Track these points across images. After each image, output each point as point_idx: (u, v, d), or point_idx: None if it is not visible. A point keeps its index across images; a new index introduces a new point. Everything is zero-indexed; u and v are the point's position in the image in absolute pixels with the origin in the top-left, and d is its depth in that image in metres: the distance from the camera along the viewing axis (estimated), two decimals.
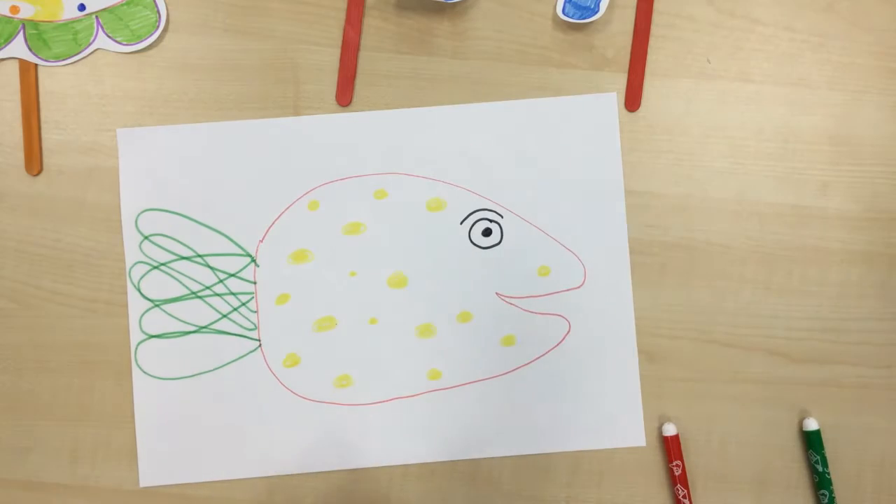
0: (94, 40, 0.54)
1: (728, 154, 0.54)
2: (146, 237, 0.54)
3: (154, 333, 0.53)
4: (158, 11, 0.54)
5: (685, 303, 0.54)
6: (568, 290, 0.54)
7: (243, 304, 0.54)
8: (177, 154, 0.54)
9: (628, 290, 0.54)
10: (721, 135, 0.54)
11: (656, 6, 0.54)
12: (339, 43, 0.54)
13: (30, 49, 0.54)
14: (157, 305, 0.53)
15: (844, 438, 0.54)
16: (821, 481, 0.52)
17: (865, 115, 0.55)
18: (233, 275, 0.54)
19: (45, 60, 0.54)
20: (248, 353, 0.53)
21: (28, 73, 0.54)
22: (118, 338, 0.54)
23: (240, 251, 0.54)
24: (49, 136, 0.54)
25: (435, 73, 0.54)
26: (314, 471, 0.53)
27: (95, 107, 0.54)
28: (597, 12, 0.53)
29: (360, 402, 0.54)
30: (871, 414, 0.54)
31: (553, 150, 0.54)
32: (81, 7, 0.54)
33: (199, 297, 0.53)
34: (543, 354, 0.54)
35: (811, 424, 0.53)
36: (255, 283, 0.54)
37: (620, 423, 0.53)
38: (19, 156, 0.54)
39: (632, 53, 0.54)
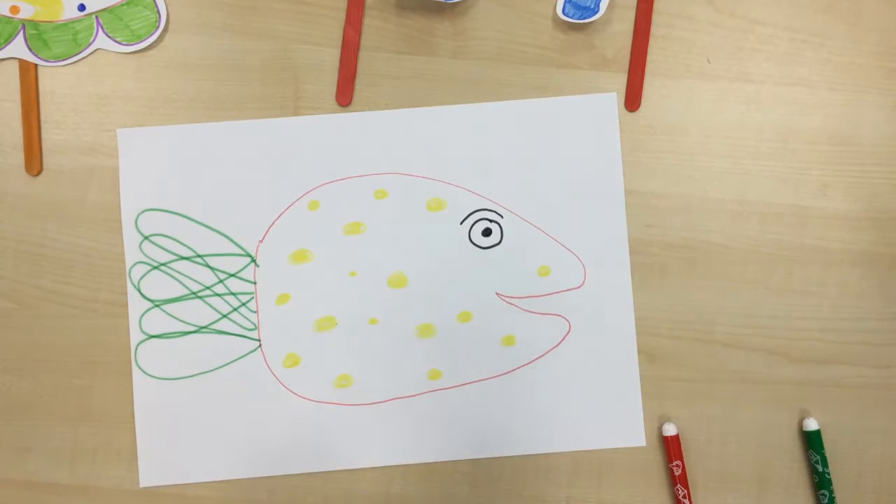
0: (94, 40, 0.54)
1: (728, 154, 0.54)
2: (146, 237, 0.54)
3: (154, 333, 0.53)
4: (158, 11, 0.54)
5: (685, 303, 0.54)
6: (568, 290, 0.54)
7: (243, 304, 0.54)
8: (177, 154, 0.54)
9: (628, 290, 0.54)
10: (721, 135, 0.54)
11: (656, 6, 0.54)
12: (339, 43, 0.54)
13: (30, 49, 0.54)
14: (157, 305, 0.53)
15: (844, 438, 0.54)
16: (821, 481, 0.52)
17: (865, 115, 0.55)
18: (233, 275, 0.54)
19: (45, 60, 0.54)
20: (248, 353, 0.53)
21: (28, 73, 0.54)
22: (118, 338, 0.54)
23: (240, 251, 0.54)
24: (49, 136, 0.54)
25: (435, 73, 0.54)
26: (314, 471, 0.53)
27: (95, 107, 0.54)
28: (597, 12, 0.53)
29: (360, 402, 0.54)
30: (871, 414, 0.54)
31: (553, 150, 0.54)
32: (81, 7, 0.54)
33: (199, 297, 0.53)
34: (543, 354, 0.54)
35: (811, 424, 0.53)
36: (255, 283, 0.54)
37: (620, 423, 0.53)
38: (19, 156, 0.54)
39: (632, 53, 0.54)
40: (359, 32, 0.54)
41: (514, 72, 0.54)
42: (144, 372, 0.53)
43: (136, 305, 0.53)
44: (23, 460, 0.54)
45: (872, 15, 0.55)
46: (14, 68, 0.54)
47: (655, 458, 0.54)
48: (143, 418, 0.53)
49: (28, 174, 0.54)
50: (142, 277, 0.54)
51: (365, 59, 0.54)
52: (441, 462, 0.54)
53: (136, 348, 0.53)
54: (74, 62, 0.54)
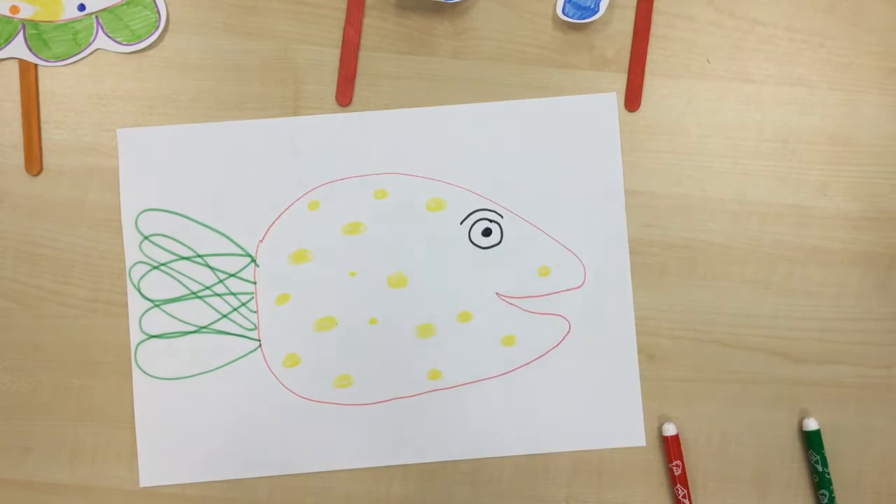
0: (94, 40, 0.54)
1: (728, 154, 0.54)
2: (146, 237, 0.54)
3: (154, 333, 0.53)
4: (158, 11, 0.54)
5: (685, 303, 0.54)
6: (568, 290, 0.54)
7: (243, 304, 0.54)
8: (177, 154, 0.54)
9: (628, 290, 0.54)
10: (721, 135, 0.54)
11: (656, 6, 0.54)
12: (339, 43, 0.54)
13: (30, 49, 0.54)
14: (157, 305, 0.53)
15: (844, 438, 0.54)
16: (821, 481, 0.52)
17: (865, 115, 0.55)
18: (233, 275, 0.54)
19: (45, 60, 0.54)
20: (248, 353, 0.53)
21: (28, 73, 0.54)
22: (118, 338, 0.54)
23: (240, 251, 0.54)
24: (49, 136, 0.54)
25: (435, 73, 0.54)
26: (314, 471, 0.53)
27: (95, 107, 0.54)
28: (597, 12, 0.53)
29: (360, 402, 0.54)
30: (871, 414, 0.54)
31: (553, 150, 0.54)
32: (81, 7, 0.54)
33: (199, 297, 0.53)
34: (543, 354, 0.54)
35: (811, 424, 0.53)
36: (255, 283, 0.54)
37: (620, 423, 0.53)
38: (19, 156, 0.54)
39: (632, 53, 0.54)
40: (359, 32, 0.54)
41: (514, 72, 0.54)
42: (144, 372, 0.53)
43: (136, 305, 0.53)
44: (23, 460, 0.54)
45: (872, 15, 0.55)
46: (14, 68, 0.54)
47: (655, 458, 0.54)
48: (143, 418, 0.53)
49: (28, 174, 0.54)
50: (142, 277, 0.54)
51: (365, 59, 0.54)
52: (441, 462, 0.54)
53: (136, 348, 0.53)
54: (74, 62, 0.54)
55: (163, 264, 0.54)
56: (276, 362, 0.54)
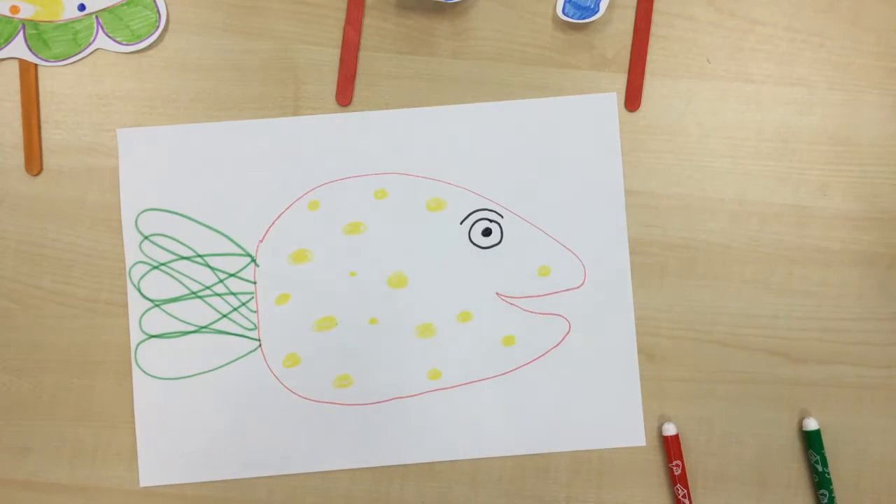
0: (94, 40, 0.54)
1: (728, 154, 0.54)
2: (146, 237, 0.54)
3: (154, 333, 0.53)
4: (158, 11, 0.54)
5: (685, 303, 0.54)
6: (568, 290, 0.54)
7: (243, 304, 0.54)
8: (177, 154, 0.54)
9: (628, 290, 0.54)
10: (721, 135, 0.54)
11: (656, 6, 0.54)
12: (339, 43, 0.54)
13: (30, 49, 0.54)
14: (157, 305, 0.53)
15: (844, 438, 0.54)
16: (821, 481, 0.52)
17: (865, 115, 0.55)
18: (233, 275, 0.54)
19: (45, 60, 0.54)
20: (248, 353, 0.53)
21: (28, 73, 0.54)
22: (118, 338, 0.54)
23: (240, 251, 0.54)
24: (49, 136, 0.54)
25: (435, 73, 0.54)
26: (314, 471, 0.53)
27: (95, 107, 0.54)
28: (597, 12, 0.53)
29: (360, 402, 0.54)
30: (871, 414, 0.54)
31: (553, 150, 0.54)
32: (81, 7, 0.54)
33: (199, 297, 0.53)
34: (543, 354, 0.54)
35: (811, 424, 0.53)
36: (255, 283, 0.54)
37: (620, 423, 0.53)
38: (19, 156, 0.54)
39: (632, 53, 0.54)
40: (359, 32, 0.54)
41: (514, 72, 0.54)
42: (144, 372, 0.53)
43: (136, 305, 0.53)
44: (23, 460, 0.54)
45: (872, 15, 0.55)
46: (14, 68, 0.54)
47: (655, 458, 0.54)
48: (143, 418, 0.53)
49: (28, 174, 0.54)
50: (142, 277, 0.54)
51: (365, 59, 0.54)
52: (441, 462, 0.54)
53: (136, 348, 0.53)
54: (74, 62, 0.54)
55: (163, 264, 0.54)
56: (276, 362, 0.54)
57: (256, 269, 0.54)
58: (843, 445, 0.54)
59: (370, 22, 0.55)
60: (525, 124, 0.54)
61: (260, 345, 0.53)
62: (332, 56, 0.54)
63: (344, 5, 0.54)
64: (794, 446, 0.54)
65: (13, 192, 0.54)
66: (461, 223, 0.54)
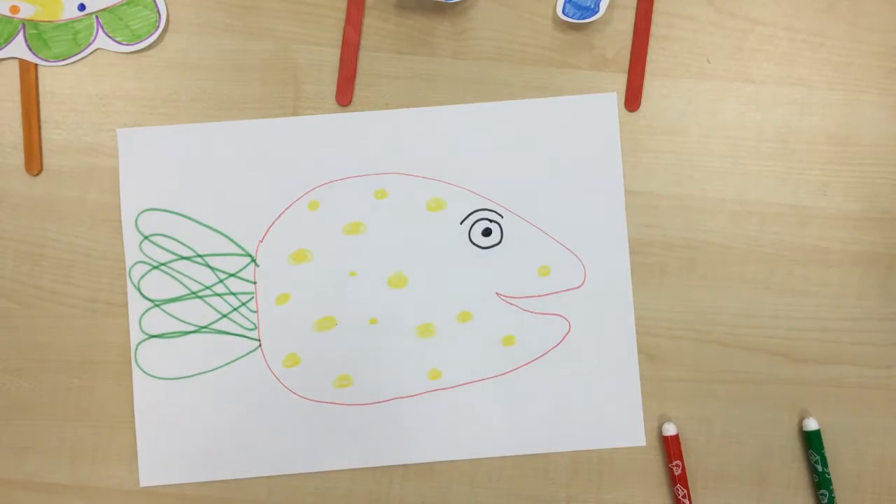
0: (94, 40, 0.54)
1: (728, 154, 0.54)
2: (146, 237, 0.54)
3: (154, 333, 0.53)
4: (158, 11, 0.54)
5: (685, 303, 0.54)
6: (568, 290, 0.54)
7: (243, 304, 0.54)
8: (177, 154, 0.54)
9: (628, 290, 0.54)
10: (721, 135, 0.54)
11: (656, 6, 0.54)
12: (339, 43, 0.54)
13: (30, 49, 0.54)
14: (157, 305, 0.53)
15: (844, 438, 0.54)
16: (821, 481, 0.52)
17: (865, 115, 0.55)
18: (233, 275, 0.54)
19: (45, 60, 0.54)
20: (248, 353, 0.53)
21: (28, 73, 0.54)
22: (118, 338, 0.54)
23: (240, 251, 0.54)
24: (49, 136, 0.54)
25: (435, 73, 0.54)
26: (314, 471, 0.53)
27: (95, 107, 0.54)
28: (597, 12, 0.53)
29: (360, 402, 0.54)
30: (871, 414, 0.54)
31: (553, 150, 0.54)
32: (81, 7, 0.54)
33: (199, 297, 0.53)
34: (543, 354, 0.54)
35: (811, 424, 0.53)
36: (255, 283, 0.54)
37: (620, 423, 0.53)
38: (19, 156, 0.54)
39: (632, 53, 0.54)
40: (359, 32, 0.54)
41: (514, 72, 0.54)
42: (144, 372, 0.53)
43: (136, 305, 0.53)
44: (23, 460, 0.54)
45: (872, 15, 0.55)
46: (14, 68, 0.54)
47: (655, 458, 0.54)
48: (143, 418, 0.53)
49: (28, 174, 0.54)
50: (142, 277, 0.54)
51: (365, 59, 0.54)
52: (441, 462, 0.54)
53: (136, 348, 0.53)
54: (74, 62, 0.54)
55: (163, 264, 0.54)
56: (276, 362, 0.54)
57: (256, 269, 0.54)
58: (843, 445, 0.54)
59: (370, 22, 0.55)
60: (525, 124, 0.54)
61: (260, 345, 0.54)
62: (332, 56, 0.54)
63: (344, 5, 0.54)
64: (794, 446, 0.54)
65: (13, 192, 0.54)
66: (461, 223, 0.54)
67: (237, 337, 0.54)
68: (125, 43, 0.54)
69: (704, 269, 0.54)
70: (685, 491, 0.52)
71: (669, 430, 0.53)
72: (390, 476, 0.54)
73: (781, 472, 0.54)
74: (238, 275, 0.54)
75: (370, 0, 0.54)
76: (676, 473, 0.53)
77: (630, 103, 0.54)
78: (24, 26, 0.53)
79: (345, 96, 0.54)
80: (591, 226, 0.54)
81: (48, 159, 0.54)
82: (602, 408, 0.53)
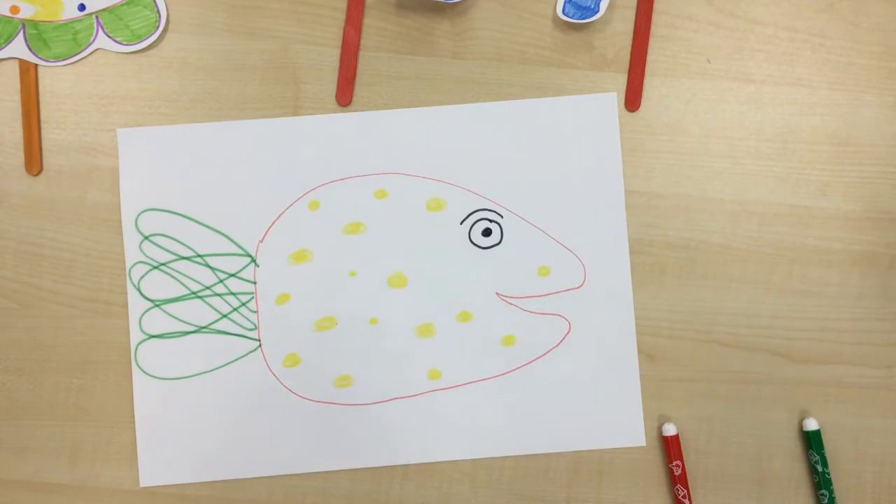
0: (94, 40, 0.54)
1: (728, 154, 0.54)
2: (146, 237, 0.54)
3: (154, 333, 0.53)
4: (158, 11, 0.54)
5: (685, 303, 0.54)
6: (568, 290, 0.54)
7: (243, 304, 0.54)
8: (177, 154, 0.54)
9: (628, 290, 0.54)
10: (721, 135, 0.54)
11: (656, 6, 0.54)
12: (339, 43, 0.54)
13: (30, 49, 0.54)
14: (157, 305, 0.53)
15: (844, 438, 0.54)
16: (821, 481, 0.52)
17: (865, 115, 0.55)
18: (233, 275, 0.54)
19: (45, 60, 0.54)
20: (248, 353, 0.53)
21: (28, 73, 0.54)
22: (118, 338, 0.54)
23: (240, 251, 0.54)
24: (49, 136, 0.54)
25: (435, 73, 0.54)
26: (314, 471, 0.53)
27: (95, 107, 0.54)
28: (597, 12, 0.53)
29: (360, 402, 0.54)
30: (871, 414, 0.54)
31: (553, 150, 0.54)
32: (81, 7, 0.54)
33: (199, 297, 0.53)
34: (543, 354, 0.54)
35: (811, 424, 0.53)
36: (255, 283, 0.54)
37: (620, 423, 0.53)
38: (19, 156, 0.54)
39: (632, 53, 0.54)
40: (359, 32, 0.54)
41: (514, 72, 0.54)
42: (144, 372, 0.53)
43: (136, 305, 0.53)
44: (23, 460, 0.54)
45: (872, 15, 0.55)
46: (14, 68, 0.54)
47: (655, 458, 0.54)
48: (143, 418, 0.53)
49: (28, 174, 0.54)
50: (142, 277, 0.54)
51: (365, 59, 0.54)
52: (441, 462, 0.54)
53: (136, 348, 0.53)
54: (74, 62, 0.54)
55: (163, 264, 0.54)
56: (276, 362, 0.54)
57: (256, 269, 0.54)
58: (843, 445, 0.54)
59: (370, 22, 0.55)
60: (525, 124, 0.54)
61: (260, 345, 0.54)
62: (332, 56, 0.54)
63: (344, 5, 0.54)
64: (794, 446, 0.54)
65: (13, 192, 0.54)
66: (461, 223, 0.54)
67: (237, 337, 0.54)
68: (125, 43, 0.54)
69: (704, 269, 0.54)
70: (685, 491, 0.52)
71: (669, 430, 0.53)
72: (390, 476, 0.54)
73: (781, 472, 0.54)
74: (238, 275, 0.54)
75: (370, 0, 0.54)
76: (676, 473, 0.53)
77: (630, 103, 0.54)
78: (24, 26, 0.54)
79: (345, 96, 0.54)
80: (591, 226, 0.54)
81: (48, 159, 0.54)
82: (602, 408, 0.53)
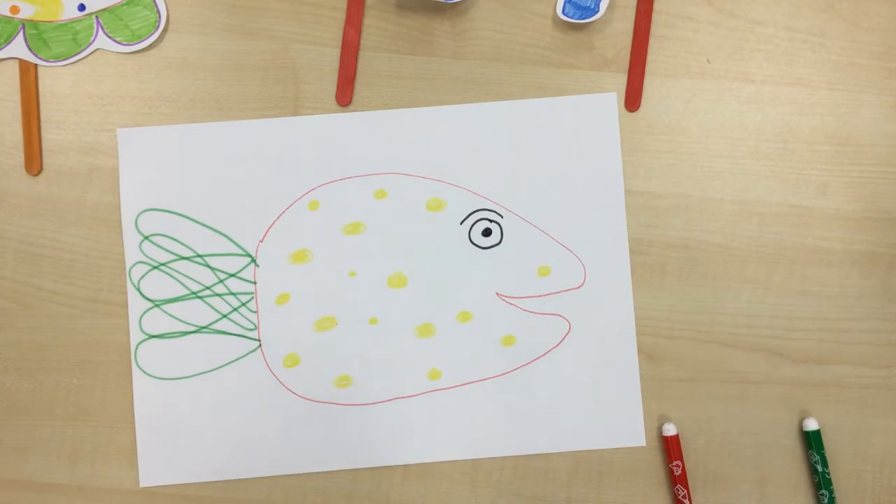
0: (94, 40, 0.54)
1: (728, 154, 0.54)
2: (146, 237, 0.54)
3: (154, 333, 0.53)
4: (158, 11, 0.54)
5: (685, 303, 0.54)
6: (568, 290, 0.54)
7: (243, 304, 0.54)
8: (177, 154, 0.54)
9: (628, 290, 0.54)
10: (721, 135, 0.54)
11: (656, 6, 0.54)
12: (339, 43, 0.54)
13: (30, 49, 0.54)
14: (157, 305, 0.53)
15: (844, 438, 0.54)
16: (821, 481, 0.52)
17: (865, 115, 0.55)
18: (233, 275, 0.54)
19: (45, 60, 0.54)
20: (248, 353, 0.54)
21: (28, 73, 0.54)
22: (118, 338, 0.54)
23: (240, 251, 0.54)
24: (49, 136, 0.54)
25: (435, 73, 0.54)
26: (314, 471, 0.53)
27: (95, 107, 0.54)
28: (597, 12, 0.53)
29: (360, 402, 0.54)
30: (871, 414, 0.54)
31: (553, 150, 0.54)
32: (81, 7, 0.54)
33: (199, 297, 0.53)
34: (543, 354, 0.54)
35: (811, 424, 0.53)
36: (255, 283, 0.54)
37: (620, 423, 0.53)
38: (19, 156, 0.54)
39: (632, 53, 0.54)
40: (359, 32, 0.54)
41: (514, 72, 0.54)
42: (144, 372, 0.53)
43: (136, 305, 0.53)
44: (23, 460, 0.54)
45: (872, 15, 0.55)
46: (14, 68, 0.54)
47: (655, 458, 0.54)
48: (143, 418, 0.53)
49: (28, 174, 0.54)
50: (142, 277, 0.54)
51: (365, 59, 0.54)
52: (441, 462, 0.54)
53: (136, 348, 0.53)
54: (74, 62, 0.54)
55: (163, 264, 0.54)
56: (276, 362, 0.54)
57: (256, 269, 0.54)
58: (843, 445, 0.54)
59: (370, 22, 0.55)
60: (525, 124, 0.54)
61: (260, 345, 0.54)
62: (332, 56, 0.54)
63: (344, 5, 0.54)
64: (794, 446, 0.54)
65: (13, 192, 0.54)
66: (461, 223, 0.54)
67: (237, 337, 0.54)
68: (125, 43, 0.54)
69: (704, 269, 0.54)
70: (685, 491, 0.52)
71: (669, 430, 0.53)
72: (390, 476, 0.54)
73: (781, 473, 0.54)
74: (238, 275, 0.54)
75: (370, 0, 0.54)
76: (676, 473, 0.53)
77: (630, 103, 0.54)
78: (24, 26, 0.54)
79: (345, 96, 0.54)
80: (591, 226, 0.54)
81: (48, 159, 0.54)
82: (602, 408, 0.53)
